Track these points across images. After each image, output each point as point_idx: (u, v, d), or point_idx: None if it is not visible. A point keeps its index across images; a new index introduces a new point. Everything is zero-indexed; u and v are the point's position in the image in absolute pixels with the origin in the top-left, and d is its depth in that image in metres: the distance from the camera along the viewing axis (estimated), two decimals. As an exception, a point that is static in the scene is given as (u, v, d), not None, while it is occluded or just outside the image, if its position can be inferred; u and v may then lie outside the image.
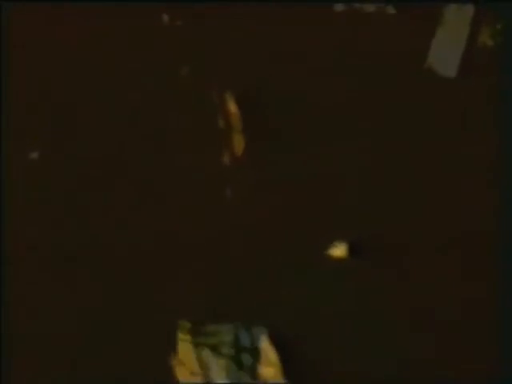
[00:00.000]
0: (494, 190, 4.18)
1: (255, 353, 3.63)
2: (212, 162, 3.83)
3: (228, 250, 3.81)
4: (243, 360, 3.62)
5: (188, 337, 3.60)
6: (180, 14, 4.46)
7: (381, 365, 3.57)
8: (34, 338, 3.59)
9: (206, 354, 3.58)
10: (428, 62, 4.69)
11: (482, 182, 4.22)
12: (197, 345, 3.59)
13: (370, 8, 4.76)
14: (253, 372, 3.59)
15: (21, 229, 3.78)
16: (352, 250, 4.05)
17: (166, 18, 4.19)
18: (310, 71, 4.31)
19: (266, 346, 3.65)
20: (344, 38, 4.44)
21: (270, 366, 3.61)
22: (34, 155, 4.00)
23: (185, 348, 3.58)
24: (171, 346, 3.57)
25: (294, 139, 4.04)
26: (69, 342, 3.58)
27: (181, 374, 3.57)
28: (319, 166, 3.95)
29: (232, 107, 3.95)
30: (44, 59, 4.32)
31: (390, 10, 4.72)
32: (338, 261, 3.99)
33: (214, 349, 3.61)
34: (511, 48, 4.77)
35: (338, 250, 4.10)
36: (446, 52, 4.83)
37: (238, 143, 3.87)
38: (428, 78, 4.61)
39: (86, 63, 4.30)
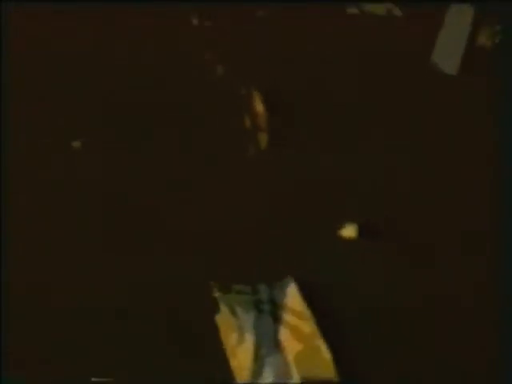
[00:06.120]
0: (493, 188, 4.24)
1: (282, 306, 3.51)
2: (236, 157, 3.92)
3: (242, 234, 3.82)
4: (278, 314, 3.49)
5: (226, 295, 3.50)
6: (208, 15, 4.55)
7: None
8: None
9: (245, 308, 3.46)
10: (431, 60, 4.84)
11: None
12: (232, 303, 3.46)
13: (380, 10, 4.91)
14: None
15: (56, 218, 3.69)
16: (362, 232, 4.11)
17: (194, 20, 4.23)
18: (330, 72, 4.43)
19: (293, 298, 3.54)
20: (358, 40, 4.57)
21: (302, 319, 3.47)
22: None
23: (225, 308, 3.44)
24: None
25: (311, 135, 4.13)
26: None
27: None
28: (333, 160, 4.02)
29: (259, 107, 4.06)
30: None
31: (397, 12, 4.83)
32: (348, 241, 4.05)
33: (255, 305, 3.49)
34: (510, 48, 4.98)
35: (348, 231, 4.17)
36: (448, 51, 4.98)
37: (263, 141, 3.98)
38: (431, 76, 4.76)
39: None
